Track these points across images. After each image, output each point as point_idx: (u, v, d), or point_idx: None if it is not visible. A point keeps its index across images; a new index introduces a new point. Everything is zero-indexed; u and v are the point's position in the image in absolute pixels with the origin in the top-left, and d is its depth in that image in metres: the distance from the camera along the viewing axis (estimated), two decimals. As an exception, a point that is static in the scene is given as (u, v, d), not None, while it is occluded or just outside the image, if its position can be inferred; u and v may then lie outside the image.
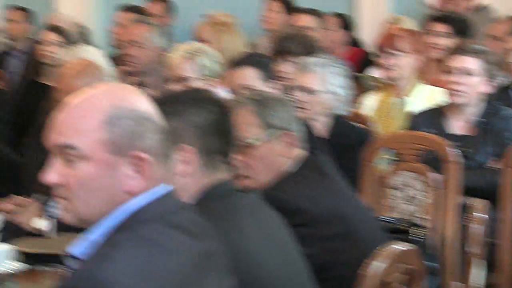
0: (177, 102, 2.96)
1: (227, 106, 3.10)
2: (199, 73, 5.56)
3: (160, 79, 6.06)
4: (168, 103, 2.89)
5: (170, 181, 2.43)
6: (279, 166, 3.77)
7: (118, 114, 2.33)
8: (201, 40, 6.67)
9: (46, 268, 3.77)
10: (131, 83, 6.14)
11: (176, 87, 5.35)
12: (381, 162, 5.40)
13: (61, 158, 2.35)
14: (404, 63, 6.19)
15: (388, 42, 6.26)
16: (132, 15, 7.30)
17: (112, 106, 2.33)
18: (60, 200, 2.39)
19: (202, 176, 2.94)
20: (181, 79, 5.47)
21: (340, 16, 8.61)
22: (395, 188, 5.10)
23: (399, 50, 6.17)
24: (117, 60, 6.59)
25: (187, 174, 2.90)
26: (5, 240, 3.95)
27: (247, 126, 3.66)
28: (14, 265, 3.84)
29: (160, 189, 2.40)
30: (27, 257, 3.89)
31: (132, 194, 2.35)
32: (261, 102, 3.74)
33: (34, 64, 7.06)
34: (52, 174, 2.35)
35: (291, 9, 8.28)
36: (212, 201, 2.92)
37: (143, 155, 2.33)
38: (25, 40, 8.28)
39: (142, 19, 6.92)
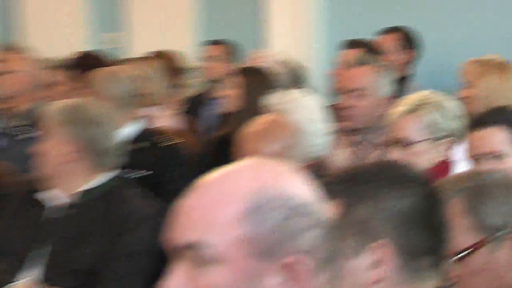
0: (369, 182, 2.61)
1: (438, 189, 2.74)
2: (426, 133, 5.06)
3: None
4: (356, 183, 2.62)
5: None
6: (504, 282, 3.12)
7: (264, 202, 2.08)
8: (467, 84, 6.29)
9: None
10: (350, 143, 6.14)
11: (396, 151, 5.04)
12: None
13: (186, 261, 2.11)
14: None
15: None
16: (358, 53, 6.96)
17: (256, 192, 2.09)
18: None
19: (401, 283, 2.56)
20: (401, 142, 5.05)
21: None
22: None
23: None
24: (338, 111, 6.29)
25: (379, 280, 2.54)
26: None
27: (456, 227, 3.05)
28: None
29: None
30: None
31: None
32: (477, 192, 3.12)
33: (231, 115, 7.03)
34: (175, 281, 2.12)
35: None
36: None
37: (298, 259, 2.08)
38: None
39: (368, 59, 6.46)
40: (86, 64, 7.31)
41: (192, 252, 2.07)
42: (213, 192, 2.11)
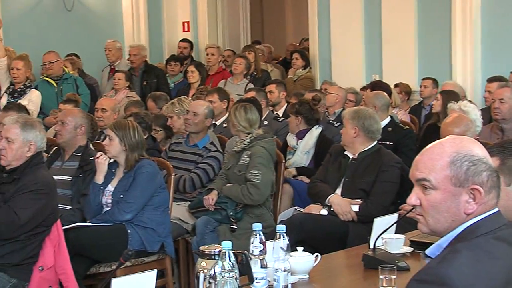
0: None
1: None
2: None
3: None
4: (507, 148, 2.55)
5: (497, 206, 2.13)
6: None
7: (460, 157, 2.08)
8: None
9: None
10: (494, 128, 5.95)
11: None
12: None
13: (419, 187, 2.13)
14: None
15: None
16: (496, 84, 6.67)
17: (456, 152, 2.09)
18: (418, 216, 2.17)
19: None
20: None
21: None
22: None
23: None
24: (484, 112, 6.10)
25: None
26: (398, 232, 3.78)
27: None
28: (405, 249, 3.67)
29: (489, 212, 2.11)
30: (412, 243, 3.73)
31: (468, 215, 2.09)
32: None
33: (435, 114, 6.64)
34: (413, 197, 2.14)
35: None
36: None
37: (477, 187, 2.07)
38: (431, 99, 7.81)
39: (506, 84, 6.29)
40: (374, 87, 7.31)
41: (422, 182, 2.11)
42: (432, 152, 2.12)
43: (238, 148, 5.37)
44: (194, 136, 5.87)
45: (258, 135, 5.38)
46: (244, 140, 5.36)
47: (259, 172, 5.16)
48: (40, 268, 4.01)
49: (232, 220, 5.19)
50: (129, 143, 4.74)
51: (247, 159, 5.27)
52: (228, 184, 5.38)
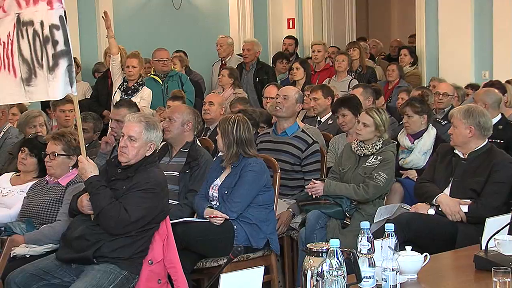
0: None
1: None
2: None
3: None
4: None
5: None
6: None
7: None
8: None
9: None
10: None
11: None
12: None
13: None
14: None
15: None
16: None
17: None
18: None
19: None
20: None
21: None
22: None
23: None
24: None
25: None
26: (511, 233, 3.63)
27: None
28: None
29: None
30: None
31: None
32: None
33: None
34: None
35: None
36: None
37: None
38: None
39: None
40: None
41: None
42: None
43: (369, 151, 5.30)
44: (283, 122, 5.76)
45: (385, 139, 5.34)
46: (376, 145, 5.30)
47: (386, 177, 5.14)
48: (149, 262, 4.10)
49: (348, 215, 5.13)
50: (234, 137, 4.74)
51: (377, 162, 5.21)
52: (334, 182, 5.29)
